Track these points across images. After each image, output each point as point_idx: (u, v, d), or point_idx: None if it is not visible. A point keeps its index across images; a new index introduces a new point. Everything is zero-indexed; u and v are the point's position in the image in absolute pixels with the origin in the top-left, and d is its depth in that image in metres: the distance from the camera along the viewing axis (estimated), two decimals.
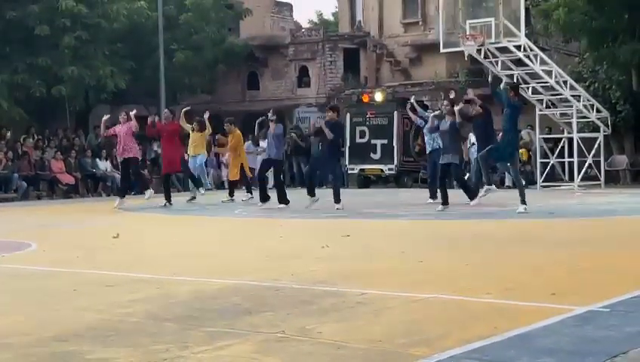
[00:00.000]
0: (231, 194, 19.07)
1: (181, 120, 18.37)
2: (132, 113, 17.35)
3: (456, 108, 14.94)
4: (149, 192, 18.18)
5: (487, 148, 14.16)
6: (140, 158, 19.50)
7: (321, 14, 55.59)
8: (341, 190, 16.28)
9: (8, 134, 25.23)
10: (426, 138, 16.88)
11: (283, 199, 16.19)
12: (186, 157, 18.96)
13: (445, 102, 15.34)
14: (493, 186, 14.22)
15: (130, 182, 18.67)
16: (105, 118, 18.22)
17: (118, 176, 24.98)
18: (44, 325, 5.20)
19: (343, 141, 20.65)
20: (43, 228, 13.42)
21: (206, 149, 20.02)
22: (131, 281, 7.02)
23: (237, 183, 19.57)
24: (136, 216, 16.20)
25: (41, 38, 24.82)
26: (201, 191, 18.24)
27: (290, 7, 42.33)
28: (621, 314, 5.12)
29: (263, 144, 24.35)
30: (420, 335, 4.66)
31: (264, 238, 11.00)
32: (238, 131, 19.13)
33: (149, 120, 19.29)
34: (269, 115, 16.57)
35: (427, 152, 16.90)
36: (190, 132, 18.81)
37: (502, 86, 14.24)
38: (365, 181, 26.52)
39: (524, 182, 14.65)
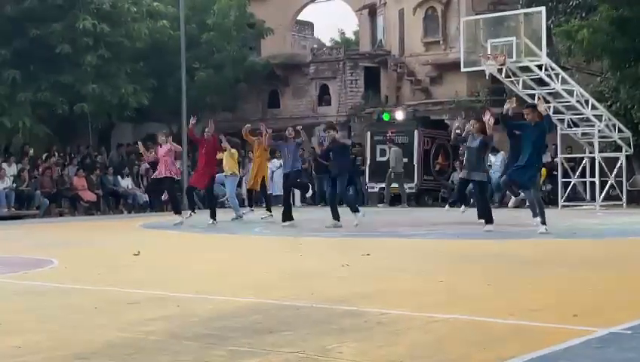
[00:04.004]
0: (250, 204, 19.09)
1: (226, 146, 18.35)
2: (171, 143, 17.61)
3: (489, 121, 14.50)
4: (180, 218, 17.63)
5: (508, 173, 14.01)
6: (179, 178, 19.28)
7: (344, 33, 55.77)
8: (361, 208, 16.41)
9: (31, 151, 25.48)
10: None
11: (287, 216, 16.26)
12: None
13: (472, 121, 15.24)
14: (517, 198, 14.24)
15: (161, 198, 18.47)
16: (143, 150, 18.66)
17: (139, 193, 25.18)
18: (65, 343, 5.22)
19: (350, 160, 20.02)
20: (65, 245, 13.48)
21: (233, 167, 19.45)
22: (152, 299, 7.03)
23: (254, 193, 19.54)
24: (158, 233, 16.26)
25: (64, 56, 25.06)
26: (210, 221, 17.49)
27: (311, 25, 42.59)
28: None
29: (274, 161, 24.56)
30: (440, 357, 4.63)
31: (284, 257, 11.00)
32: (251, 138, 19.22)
33: (191, 123, 18.59)
34: (289, 130, 16.78)
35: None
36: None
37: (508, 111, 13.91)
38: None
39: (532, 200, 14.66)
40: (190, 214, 17.47)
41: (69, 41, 25.04)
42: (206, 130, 18.01)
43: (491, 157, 23.00)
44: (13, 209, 22.59)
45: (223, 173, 18.89)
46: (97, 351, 4.93)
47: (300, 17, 40.47)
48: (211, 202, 18.15)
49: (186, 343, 5.11)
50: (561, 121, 22.60)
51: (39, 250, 12.26)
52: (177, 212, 17.83)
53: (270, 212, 18.38)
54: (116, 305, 6.74)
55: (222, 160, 18.63)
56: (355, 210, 15.81)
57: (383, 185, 26.00)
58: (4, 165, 23.23)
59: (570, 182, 23.07)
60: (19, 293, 7.58)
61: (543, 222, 13.33)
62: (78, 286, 8.03)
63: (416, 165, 25.59)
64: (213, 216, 17.41)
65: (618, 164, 22.61)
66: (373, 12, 36.83)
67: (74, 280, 8.50)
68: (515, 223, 15.28)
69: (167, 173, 17.37)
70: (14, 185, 22.83)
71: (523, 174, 13.29)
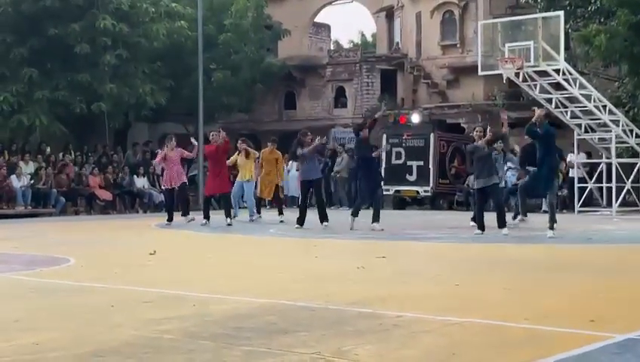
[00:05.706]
0: (258, 211, 19.21)
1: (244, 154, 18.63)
2: (194, 143, 18.55)
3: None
4: (190, 217, 18.07)
5: (527, 180, 14.07)
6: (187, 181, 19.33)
7: (364, 35, 55.89)
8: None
9: (48, 149, 25.59)
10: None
11: (323, 217, 16.21)
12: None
13: (478, 128, 15.15)
14: (527, 217, 14.43)
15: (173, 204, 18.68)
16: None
17: (155, 192, 25.25)
18: (82, 341, 5.24)
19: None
20: (81, 243, 13.54)
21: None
22: (167, 298, 7.06)
23: (262, 201, 19.75)
24: (173, 233, 16.30)
25: (81, 55, 25.16)
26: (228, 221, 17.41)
27: (328, 28, 42.60)
28: None
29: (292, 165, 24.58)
30: (455, 360, 4.62)
31: (299, 258, 11.01)
32: (278, 152, 19.61)
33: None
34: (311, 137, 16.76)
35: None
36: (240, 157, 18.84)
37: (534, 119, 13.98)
38: (400, 202, 26.47)
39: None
40: (205, 223, 17.48)
41: (88, 41, 25.14)
42: (212, 134, 18.27)
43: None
44: (30, 207, 22.70)
45: (242, 180, 18.99)
46: (113, 350, 4.95)
47: (317, 19, 40.47)
48: (227, 203, 18.20)
49: (201, 343, 5.13)
50: (579, 125, 22.50)
51: (56, 248, 12.33)
52: (185, 214, 18.17)
53: (282, 215, 18.58)
54: (132, 303, 6.77)
55: (235, 162, 18.84)
56: (376, 220, 15.49)
57: (399, 187, 25.95)
58: (21, 163, 23.36)
59: (587, 187, 22.96)
60: (35, 291, 7.61)
61: (551, 227, 13.34)
62: (95, 284, 8.06)
63: (431, 168, 25.50)
64: (228, 215, 17.49)
65: (635, 170, 22.48)
66: (390, 15, 36.80)
67: (90, 278, 8.55)
68: (530, 228, 15.18)
69: (178, 181, 17.95)
70: (32, 182, 22.95)
71: (540, 182, 13.52)
